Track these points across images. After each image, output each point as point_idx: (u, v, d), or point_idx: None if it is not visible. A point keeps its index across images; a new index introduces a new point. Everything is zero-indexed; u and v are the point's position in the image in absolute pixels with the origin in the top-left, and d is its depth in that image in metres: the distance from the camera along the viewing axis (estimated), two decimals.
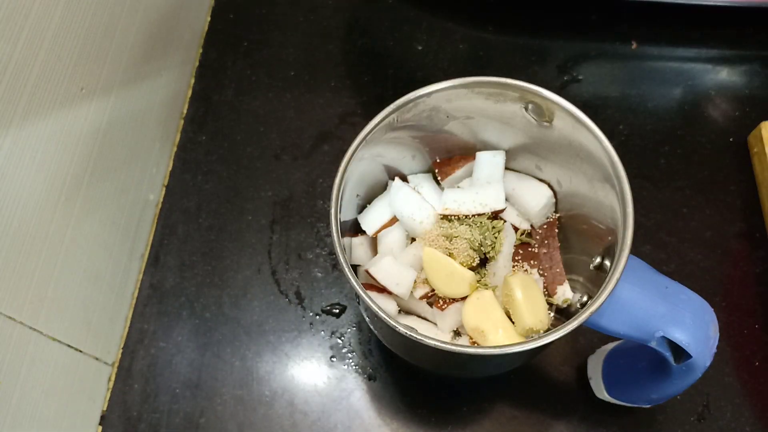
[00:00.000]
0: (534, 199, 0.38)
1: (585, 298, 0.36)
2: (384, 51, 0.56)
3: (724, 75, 0.54)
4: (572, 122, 0.33)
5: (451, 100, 0.35)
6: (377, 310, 0.30)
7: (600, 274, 0.34)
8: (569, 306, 0.37)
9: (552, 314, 0.37)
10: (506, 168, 0.39)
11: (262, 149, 0.52)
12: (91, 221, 0.43)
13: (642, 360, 0.35)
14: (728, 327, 0.44)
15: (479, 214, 0.37)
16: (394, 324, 0.30)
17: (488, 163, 0.38)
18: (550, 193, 0.38)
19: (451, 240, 0.36)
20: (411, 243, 0.38)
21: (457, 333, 0.37)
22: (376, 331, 0.39)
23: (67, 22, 0.39)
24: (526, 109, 0.35)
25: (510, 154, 0.39)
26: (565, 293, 0.37)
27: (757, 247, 0.47)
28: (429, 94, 0.34)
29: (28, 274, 0.37)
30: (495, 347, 0.29)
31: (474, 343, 0.35)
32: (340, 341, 0.45)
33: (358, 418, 0.43)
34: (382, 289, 0.36)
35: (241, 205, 0.50)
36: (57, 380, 0.40)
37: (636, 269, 0.31)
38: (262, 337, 0.45)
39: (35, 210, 0.38)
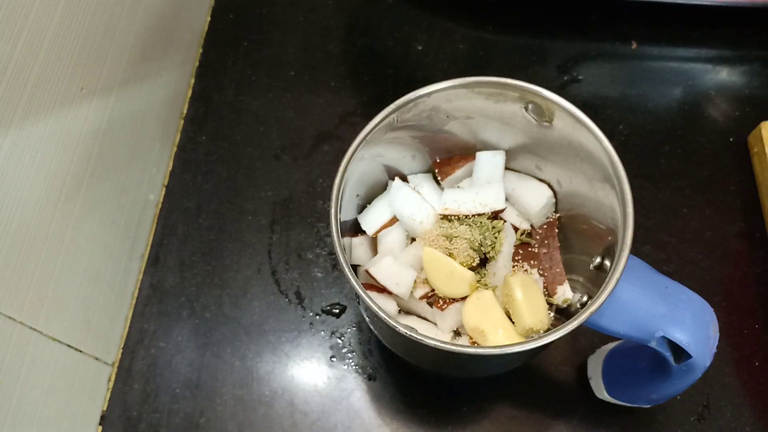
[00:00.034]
0: (534, 199, 0.38)
1: (585, 298, 0.36)
2: (384, 51, 0.56)
3: (724, 75, 0.54)
4: (572, 122, 0.33)
5: (451, 100, 0.35)
6: (377, 310, 0.30)
7: (600, 274, 0.34)
8: (569, 306, 0.37)
9: (552, 314, 0.37)
10: (506, 168, 0.39)
11: (262, 149, 0.52)
12: (91, 221, 0.43)
13: (642, 360, 0.35)
14: (728, 327, 0.44)
15: (479, 214, 0.37)
16: (394, 324, 0.30)
17: (488, 163, 0.38)
18: (550, 193, 0.38)
19: (451, 240, 0.36)
20: (411, 243, 0.38)
21: (457, 333, 0.37)
22: (376, 331, 0.39)
23: (67, 22, 0.39)
24: (526, 109, 0.35)
25: (510, 154, 0.39)
26: (565, 293, 0.37)
27: (757, 247, 0.47)
28: (429, 94, 0.34)
29: (28, 274, 0.37)
30: (495, 347, 0.29)
31: (474, 343, 0.35)
32: (340, 341, 0.45)
33: (358, 418, 0.43)
34: (382, 289, 0.36)
35: (241, 205, 0.50)
36: (57, 380, 0.40)
37: (636, 269, 0.31)
38: (262, 337, 0.45)
39: (35, 210, 0.38)
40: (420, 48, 0.56)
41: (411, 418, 0.43)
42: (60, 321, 0.40)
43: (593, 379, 0.41)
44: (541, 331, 0.34)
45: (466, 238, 0.36)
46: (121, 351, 0.46)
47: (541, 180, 0.39)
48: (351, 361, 0.45)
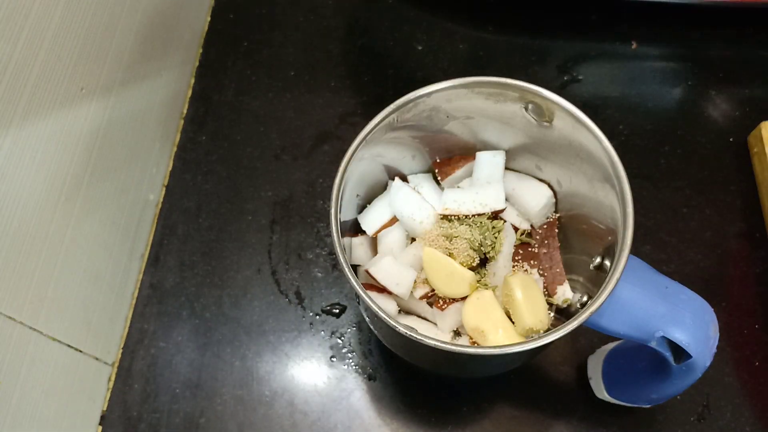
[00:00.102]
0: (534, 199, 0.38)
1: (585, 298, 0.36)
2: (384, 51, 0.56)
3: (724, 75, 0.54)
4: (572, 122, 0.33)
5: (451, 100, 0.35)
6: (377, 310, 0.30)
7: (600, 274, 0.34)
8: (569, 306, 0.37)
9: (552, 314, 0.37)
10: (506, 168, 0.39)
11: (262, 149, 0.52)
12: (91, 221, 0.43)
13: (642, 360, 0.35)
14: (728, 327, 0.44)
15: (479, 214, 0.37)
16: (394, 324, 0.30)
17: (488, 163, 0.38)
18: (550, 193, 0.38)
19: (451, 240, 0.36)
20: (411, 243, 0.38)
21: (457, 333, 0.37)
22: (376, 331, 0.39)
23: (67, 22, 0.39)
24: (526, 109, 0.35)
25: (510, 154, 0.39)
26: (565, 293, 0.37)
27: (757, 247, 0.47)
28: (429, 94, 0.34)
29: (28, 274, 0.37)
30: (495, 347, 0.29)
31: (474, 343, 0.35)
32: (340, 341, 0.45)
33: (358, 418, 0.43)
34: (382, 289, 0.36)
35: (241, 205, 0.50)
36: (57, 380, 0.40)
37: (636, 269, 0.31)
38: (262, 337, 0.45)
39: (35, 210, 0.38)
40: (420, 48, 0.56)
41: (411, 418, 0.43)
42: (60, 321, 0.40)
43: (593, 379, 0.41)
44: (541, 331, 0.34)
45: (466, 238, 0.36)
46: (121, 351, 0.46)
47: (541, 180, 0.39)
48: (351, 361, 0.45)
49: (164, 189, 0.51)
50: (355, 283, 0.30)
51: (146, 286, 0.47)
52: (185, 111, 0.54)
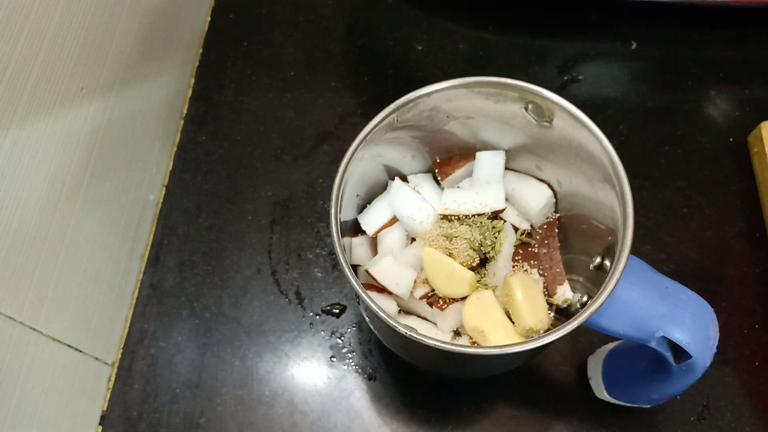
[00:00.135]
0: (534, 199, 0.38)
1: (585, 298, 0.36)
2: (384, 51, 0.56)
3: (724, 75, 0.54)
4: (572, 122, 0.33)
5: (451, 100, 0.35)
6: (377, 310, 0.30)
7: (600, 274, 0.34)
8: (569, 306, 0.37)
9: (552, 314, 0.37)
10: (506, 168, 0.39)
11: (262, 149, 0.52)
12: (91, 221, 0.43)
13: (642, 360, 0.35)
14: (728, 327, 0.44)
15: (479, 214, 0.37)
16: (394, 324, 0.30)
17: (488, 163, 0.38)
18: (550, 193, 0.38)
19: (451, 240, 0.36)
20: (411, 243, 0.38)
21: (457, 333, 0.37)
22: (376, 331, 0.39)
23: (67, 22, 0.39)
24: (526, 109, 0.35)
25: (510, 154, 0.39)
26: (565, 293, 0.37)
27: (757, 247, 0.47)
28: (429, 94, 0.34)
29: (28, 274, 0.37)
30: (495, 347, 0.29)
31: (474, 343, 0.35)
32: (340, 341, 0.45)
33: (358, 418, 0.43)
34: (382, 289, 0.36)
35: (241, 205, 0.50)
36: (57, 380, 0.40)
37: (636, 269, 0.31)
38: (262, 337, 0.45)
39: (35, 210, 0.38)
40: (420, 48, 0.56)
41: (411, 418, 0.43)
42: (60, 321, 0.40)
43: (593, 379, 0.41)
44: (541, 331, 0.34)
45: (466, 238, 0.36)
46: (121, 351, 0.46)
47: (541, 180, 0.39)
48: (351, 361, 0.45)
49: (164, 189, 0.51)
50: (355, 283, 0.30)
51: (146, 286, 0.47)
52: (185, 111, 0.54)
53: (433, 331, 0.37)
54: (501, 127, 0.37)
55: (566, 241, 0.39)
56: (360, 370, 0.44)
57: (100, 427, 0.44)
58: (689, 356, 0.30)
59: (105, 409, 0.44)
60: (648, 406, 0.40)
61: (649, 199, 0.49)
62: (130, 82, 0.47)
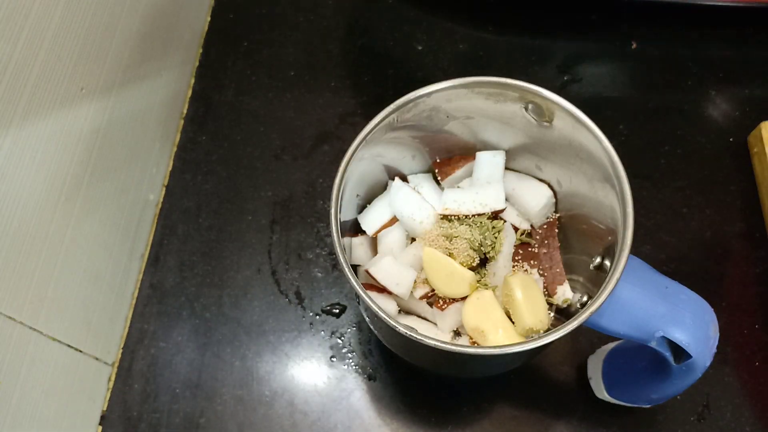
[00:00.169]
0: (534, 199, 0.38)
1: (585, 298, 0.36)
2: (384, 51, 0.56)
3: (724, 75, 0.54)
4: (572, 122, 0.33)
5: (451, 100, 0.35)
6: (377, 310, 0.30)
7: (600, 274, 0.34)
8: (569, 306, 0.37)
9: (552, 314, 0.37)
10: (506, 168, 0.39)
11: (262, 149, 0.52)
12: (91, 221, 0.43)
13: (642, 360, 0.35)
14: (728, 327, 0.44)
15: (479, 214, 0.37)
16: (394, 324, 0.30)
17: (488, 163, 0.38)
18: (550, 193, 0.38)
19: (451, 240, 0.36)
20: (411, 243, 0.38)
21: (457, 333, 0.37)
22: (376, 331, 0.39)
23: (67, 22, 0.39)
24: (526, 109, 0.35)
25: (510, 154, 0.39)
26: (565, 293, 0.37)
27: (757, 247, 0.47)
28: (429, 94, 0.34)
29: (28, 274, 0.37)
30: (495, 347, 0.29)
31: (474, 343, 0.35)
32: (340, 341, 0.45)
33: (358, 418, 0.43)
34: (382, 289, 0.36)
35: (241, 205, 0.50)
36: (57, 380, 0.40)
37: (636, 269, 0.31)
38: (262, 337, 0.45)
39: (35, 210, 0.38)
40: (420, 48, 0.56)
41: (411, 418, 0.43)
42: (60, 321, 0.40)
43: (593, 379, 0.41)
44: (541, 331, 0.34)
45: (466, 238, 0.36)
46: (121, 351, 0.46)
47: (541, 180, 0.39)
48: (351, 361, 0.45)
49: (164, 189, 0.51)
50: (355, 283, 0.30)
51: (146, 286, 0.47)
52: (185, 111, 0.54)
53: (433, 331, 0.37)
54: (501, 127, 0.37)
55: (566, 241, 0.39)
56: (360, 370, 0.44)
57: (100, 427, 0.44)
58: (689, 356, 0.30)
59: (105, 409, 0.44)
60: (648, 406, 0.40)
61: (649, 199, 0.49)
62: (130, 82, 0.47)
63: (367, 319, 0.38)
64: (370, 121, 0.34)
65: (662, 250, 0.47)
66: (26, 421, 0.37)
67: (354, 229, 0.39)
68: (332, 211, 0.32)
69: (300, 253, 0.48)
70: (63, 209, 0.40)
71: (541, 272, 0.38)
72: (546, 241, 0.38)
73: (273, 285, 0.47)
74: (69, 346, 0.41)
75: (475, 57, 0.56)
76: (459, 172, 0.39)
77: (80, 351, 0.42)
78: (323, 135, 0.53)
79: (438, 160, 0.40)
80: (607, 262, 0.33)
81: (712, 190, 0.49)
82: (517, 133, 0.37)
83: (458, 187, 0.39)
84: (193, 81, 0.55)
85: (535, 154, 0.38)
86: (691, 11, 0.56)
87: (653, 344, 0.30)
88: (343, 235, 0.34)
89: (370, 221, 0.38)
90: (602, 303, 0.29)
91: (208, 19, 0.58)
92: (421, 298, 0.36)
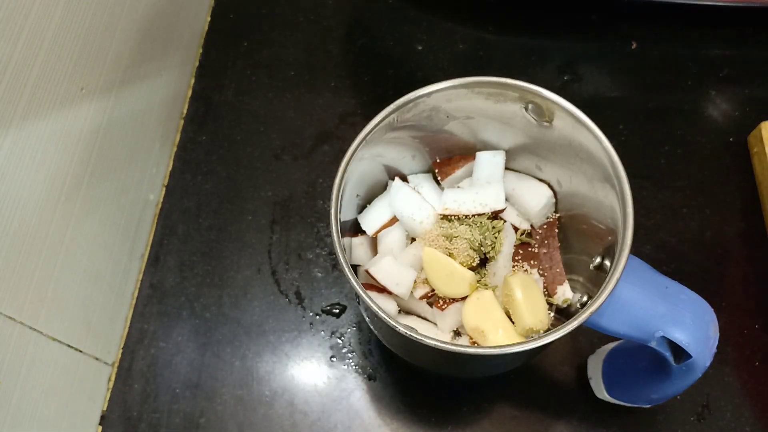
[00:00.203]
0: (534, 199, 0.38)
1: (585, 298, 0.36)
2: (384, 51, 0.56)
3: (724, 75, 0.54)
4: (572, 122, 0.33)
5: (451, 100, 0.35)
6: (377, 310, 0.30)
7: (600, 274, 0.34)
8: (569, 306, 0.37)
9: (552, 314, 0.37)
10: (506, 168, 0.39)
11: (262, 149, 0.52)
12: (91, 221, 0.43)
13: (642, 360, 0.35)
14: (728, 327, 0.44)
15: (479, 214, 0.37)
16: (394, 324, 0.30)
17: (488, 163, 0.38)
18: (550, 193, 0.38)
19: (451, 240, 0.36)
20: (411, 243, 0.38)
21: (457, 333, 0.37)
22: (376, 331, 0.39)
23: (67, 22, 0.39)
24: (526, 109, 0.35)
25: (510, 154, 0.39)
26: (565, 293, 0.37)
27: (757, 247, 0.47)
28: (429, 94, 0.34)
29: (28, 274, 0.37)
30: (495, 347, 0.29)
31: (474, 343, 0.35)
32: (340, 341, 0.45)
33: (358, 418, 0.43)
34: (382, 289, 0.36)
35: (241, 205, 0.50)
36: (57, 380, 0.40)
37: (636, 269, 0.31)
38: (262, 337, 0.45)
39: (35, 210, 0.38)
40: (420, 48, 0.56)
41: (411, 418, 0.43)
42: (60, 321, 0.40)
43: (593, 379, 0.41)
44: (541, 331, 0.34)
45: (466, 238, 0.36)
46: (121, 351, 0.46)
47: (541, 180, 0.39)
48: (351, 361, 0.45)
49: (164, 189, 0.51)
50: (355, 283, 0.30)
51: (146, 286, 0.47)
52: (185, 111, 0.54)
53: (433, 331, 0.37)
54: (501, 127, 0.37)
55: (566, 241, 0.39)
56: (360, 370, 0.44)
57: (100, 427, 0.44)
58: (689, 356, 0.30)
59: (105, 409, 0.44)
60: (648, 406, 0.40)
61: (649, 199, 0.49)
62: (130, 82, 0.47)
63: (367, 319, 0.38)
64: (370, 121, 0.34)
65: (662, 250, 0.47)
66: (26, 421, 0.37)
67: (354, 229, 0.39)
68: (332, 211, 0.32)
69: (300, 253, 0.48)
70: (63, 209, 0.40)
71: (541, 272, 0.38)
72: (546, 241, 0.38)
73: (273, 285, 0.47)
74: (69, 346, 0.41)
75: (475, 57, 0.56)
76: (459, 172, 0.39)
77: (80, 351, 0.42)
78: (323, 135, 0.53)
79: (438, 160, 0.40)
80: (607, 262, 0.33)
81: (712, 190, 0.49)
82: (517, 133, 0.37)
83: (458, 187, 0.39)
84: (193, 81, 0.55)
85: (535, 154, 0.38)
86: (691, 11, 0.56)
87: (653, 344, 0.30)
88: (343, 235, 0.34)
89: (370, 221, 0.38)
90: (602, 303, 0.29)
91: (208, 19, 0.58)
92: (421, 298, 0.36)
